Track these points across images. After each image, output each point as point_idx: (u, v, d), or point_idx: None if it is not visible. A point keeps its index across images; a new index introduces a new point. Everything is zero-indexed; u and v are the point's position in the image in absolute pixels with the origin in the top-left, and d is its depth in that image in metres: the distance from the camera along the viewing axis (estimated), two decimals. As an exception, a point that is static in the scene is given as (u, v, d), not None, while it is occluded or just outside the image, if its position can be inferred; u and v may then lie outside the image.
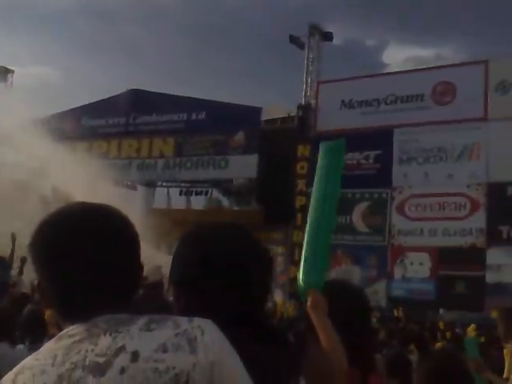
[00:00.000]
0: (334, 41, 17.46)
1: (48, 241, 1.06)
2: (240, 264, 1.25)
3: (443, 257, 14.17)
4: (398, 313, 9.72)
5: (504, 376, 3.67)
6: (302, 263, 1.64)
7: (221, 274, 1.22)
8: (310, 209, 1.78)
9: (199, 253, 1.25)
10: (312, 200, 1.82)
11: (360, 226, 15.27)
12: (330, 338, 1.56)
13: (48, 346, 1.02)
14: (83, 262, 1.04)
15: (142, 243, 1.18)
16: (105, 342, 0.98)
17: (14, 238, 8.51)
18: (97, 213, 1.10)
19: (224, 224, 1.35)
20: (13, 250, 8.45)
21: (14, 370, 1.00)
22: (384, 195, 15.12)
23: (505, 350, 3.99)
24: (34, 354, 1.01)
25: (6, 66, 22.52)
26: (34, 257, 1.08)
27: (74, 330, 1.01)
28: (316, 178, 1.81)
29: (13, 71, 22.68)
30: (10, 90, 22.20)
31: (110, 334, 0.99)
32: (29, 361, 1.00)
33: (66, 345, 0.99)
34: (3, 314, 4.31)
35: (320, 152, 1.81)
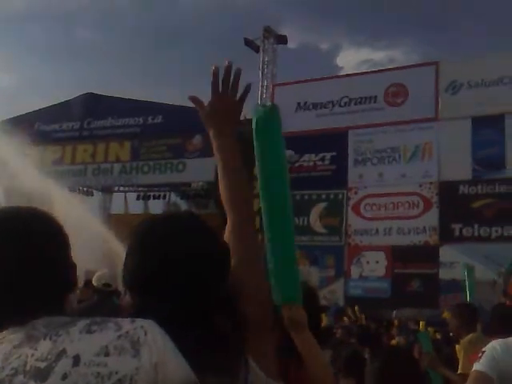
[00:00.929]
0: (289, 44, 17.60)
1: None
2: (199, 258, 1.19)
3: (398, 255, 14.47)
4: (353, 311, 9.85)
5: (459, 371, 3.74)
6: (271, 278, 1.46)
7: (178, 271, 1.16)
8: (263, 210, 1.61)
9: (156, 249, 1.18)
10: (261, 199, 1.63)
11: (317, 226, 15.43)
12: (316, 360, 1.48)
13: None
14: (8, 265, 1.03)
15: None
16: (45, 346, 0.96)
17: None
18: (20, 215, 1.09)
19: (178, 214, 1.31)
20: None
21: None
22: (340, 196, 15.33)
23: (457, 346, 4.09)
24: None
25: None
26: None
27: (12, 335, 0.99)
28: (257, 167, 1.57)
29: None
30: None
31: (50, 338, 0.97)
32: None
33: (5, 350, 0.98)
34: None
35: (253, 125, 1.57)
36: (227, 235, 1.34)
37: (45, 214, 1.13)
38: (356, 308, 9.92)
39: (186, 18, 59.75)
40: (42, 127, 19.68)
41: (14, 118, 19.63)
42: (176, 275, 1.17)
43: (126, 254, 1.23)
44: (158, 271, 1.17)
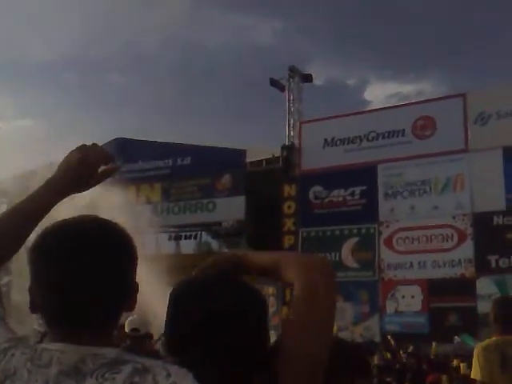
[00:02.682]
0: (315, 81, 17.83)
1: (42, 248, 1.08)
2: (241, 314, 1.20)
3: (434, 289, 14.17)
4: (389, 343, 9.65)
5: None
6: None
7: (220, 327, 1.18)
8: None
9: (199, 307, 1.20)
10: None
11: (349, 261, 15.28)
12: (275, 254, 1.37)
13: (37, 366, 1.02)
14: (70, 273, 1.05)
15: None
16: None
17: None
18: (94, 227, 1.10)
19: (216, 275, 1.30)
20: None
21: None
22: (372, 230, 15.19)
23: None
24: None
25: (-8, 121, 22.64)
26: (29, 260, 1.09)
27: (62, 354, 1.02)
28: None
29: (-1, 126, 22.76)
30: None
31: (97, 379, 1.00)
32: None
33: (53, 373, 1.01)
34: None
35: None
36: (297, 302, 1.29)
37: (119, 228, 1.13)
38: (391, 340, 9.71)
39: (214, 60, 61.09)
40: (75, 172, 20.13)
41: (49, 165, 20.15)
42: (217, 334, 1.19)
43: (168, 318, 1.25)
44: (200, 329, 1.19)
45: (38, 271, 1.08)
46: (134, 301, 1.14)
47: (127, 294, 1.12)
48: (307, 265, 1.30)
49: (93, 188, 1.28)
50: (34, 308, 1.10)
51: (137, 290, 1.14)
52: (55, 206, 1.24)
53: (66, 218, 1.13)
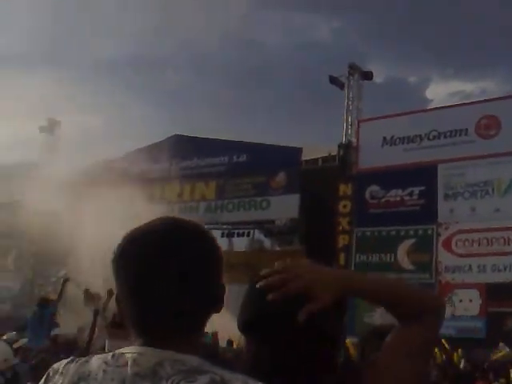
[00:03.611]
0: (375, 79, 17.59)
1: (124, 257, 1.07)
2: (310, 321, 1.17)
3: (493, 293, 13.69)
4: (444, 348, 9.37)
5: None
6: None
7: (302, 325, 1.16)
8: None
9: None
10: None
11: (405, 263, 14.95)
12: (380, 283, 1.31)
13: (113, 366, 1.03)
14: (155, 280, 1.04)
15: None
16: None
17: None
18: (176, 230, 1.09)
19: None
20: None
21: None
22: (429, 231, 14.82)
23: None
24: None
25: (54, 118, 23.33)
26: (112, 269, 1.09)
27: (141, 358, 1.02)
28: None
29: (60, 122, 23.47)
30: (58, 140, 22.98)
31: None
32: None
33: (129, 374, 1.01)
34: (43, 364, 4.44)
35: None
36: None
37: (203, 232, 1.12)
38: (445, 345, 9.43)
39: (273, 57, 61.37)
40: (133, 168, 20.49)
41: (108, 160, 20.65)
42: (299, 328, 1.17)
43: (248, 300, 1.26)
44: (281, 321, 1.18)
45: (123, 280, 1.08)
46: (222, 303, 1.12)
47: (215, 297, 1.10)
48: (435, 311, 1.29)
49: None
50: (121, 316, 1.10)
51: (224, 292, 1.12)
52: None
53: (145, 223, 1.11)
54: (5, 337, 7.10)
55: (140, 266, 1.04)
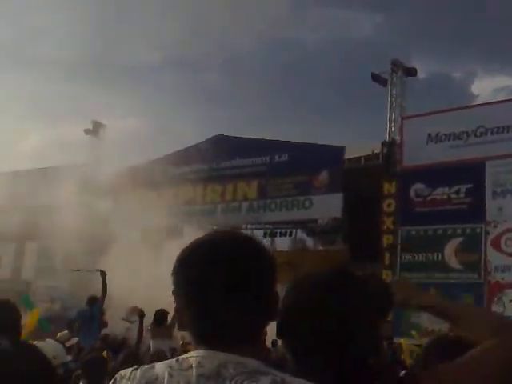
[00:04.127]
0: (419, 75, 17.26)
1: (183, 269, 1.11)
2: (357, 314, 1.22)
3: (545, 294, 13.29)
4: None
5: None
6: None
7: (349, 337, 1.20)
8: None
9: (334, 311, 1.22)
10: None
11: (453, 262, 14.63)
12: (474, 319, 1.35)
13: (178, 370, 1.06)
14: (211, 290, 1.07)
15: None
16: None
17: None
18: (237, 244, 1.12)
19: (334, 271, 1.31)
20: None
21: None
22: (478, 230, 14.46)
23: None
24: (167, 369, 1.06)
25: (98, 121, 23.76)
26: (172, 280, 1.14)
27: (205, 360, 1.05)
28: None
29: (105, 125, 23.87)
30: (103, 143, 23.41)
31: None
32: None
33: (194, 375, 1.03)
34: (96, 361, 4.52)
35: None
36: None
37: (257, 244, 1.15)
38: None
39: (313, 56, 61.13)
40: (175, 169, 20.69)
41: (150, 161, 20.94)
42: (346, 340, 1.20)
43: (299, 310, 1.25)
44: (333, 335, 1.20)
45: (181, 291, 1.11)
46: (276, 312, 1.15)
47: (270, 306, 1.12)
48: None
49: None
50: (182, 326, 1.14)
51: (278, 301, 1.14)
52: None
53: (202, 236, 1.16)
54: (57, 335, 7.24)
55: (196, 277, 1.08)
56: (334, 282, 1.25)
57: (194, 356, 1.07)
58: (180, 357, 1.09)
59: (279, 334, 1.26)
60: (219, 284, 1.06)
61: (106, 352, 6.59)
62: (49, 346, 2.93)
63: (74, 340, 7.23)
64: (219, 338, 1.07)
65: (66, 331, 7.57)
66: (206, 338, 1.08)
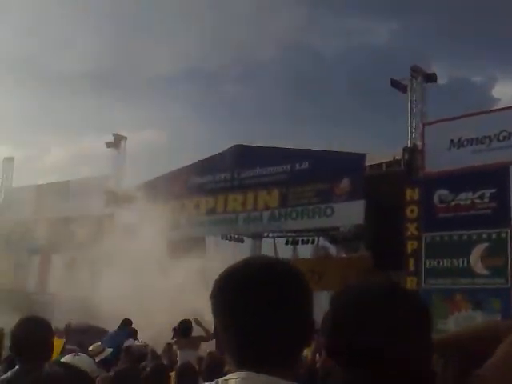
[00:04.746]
0: (439, 80, 17.16)
1: (222, 291, 1.14)
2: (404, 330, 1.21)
3: None
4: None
5: None
6: None
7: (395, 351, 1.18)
8: None
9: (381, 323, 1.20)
10: None
11: (479, 268, 14.51)
12: None
13: None
14: (252, 315, 1.09)
15: None
16: None
17: None
18: (274, 269, 1.14)
19: (382, 285, 1.30)
20: None
21: None
22: (503, 235, 14.32)
23: None
24: None
25: (118, 133, 23.97)
26: (212, 304, 1.16)
27: (245, 383, 1.06)
28: None
29: (125, 137, 24.08)
30: (124, 155, 23.63)
31: None
32: None
33: None
34: (126, 373, 4.56)
35: None
36: None
37: (294, 269, 1.18)
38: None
39: (332, 64, 61.01)
40: (195, 180, 20.79)
41: (170, 172, 21.08)
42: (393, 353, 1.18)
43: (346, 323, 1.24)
44: (380, 347, 1.18)
45: (220, 314, 1.13)
46: (313, 336, 1.17)
47: (307, 331, 1.15)
48: None
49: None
50: (220, 349, 1.16)
51: (314, 326, 1.16)
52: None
53: (239, 260, 1.18)
54: (90, 348, 7.31)
55: (234, 301, 1.10)
56: (384, 296, 1.25)
57: (234, 378, 1.08)
58: (220, 379, 1.11)
59: (330, 349, 1.25)
60: (258, 308, 1.08)
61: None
62: (84, 363, 3.00)
63: (108, 351, 7.28)
64: (259, 360, 1.08)
65: (99, 343, 7.62)
66: (246, 361, 1.09)
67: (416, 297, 1.32)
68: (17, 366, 2.79)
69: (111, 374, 6.06)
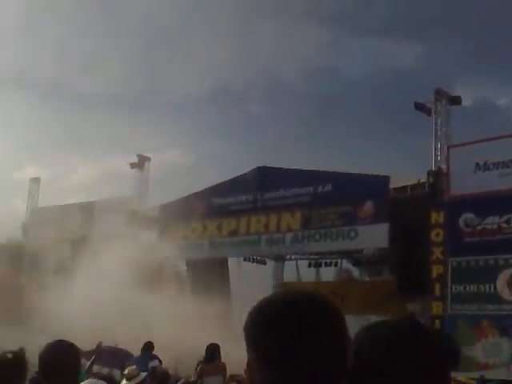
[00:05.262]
0: (464, 102, 17.07)
1: (261, 324, 1.12)
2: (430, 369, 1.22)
3: None
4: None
5: None
6: None
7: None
8: None
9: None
10: None
11: (506, 294, 14.23)
12: None
13: None
14: (289, 350, 1.07)
15: None
16: None
17: None
18: (313, 305, 1.14)
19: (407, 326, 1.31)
20: None
21: None
22: (531, 260, 14.11)
23: None
24: None
25: (143, 154, 24.21)
26: (247, 336, 1.14)
27: None
28: None
29: (149, 158, 24.30)
30: (147, 177, 23.83)
31: None
32: None
33: None
34: None
35: None
36: None
37: (334, 306, 1.17)
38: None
39: (353, 86, 60.96)
40: (218, 201, 20.85)
41: (194, 193, 21.19)
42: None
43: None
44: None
45: (259, 348, 1.12)
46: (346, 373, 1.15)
47: (345, 369, 1.13)
48: None
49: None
50: (253, 382, 1.13)
51: (349, 361, 1.15)
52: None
53: (277, 294, 1.20)
54: (126, 371, 7.28)
55: (274, 338, 1.09)
56: (410, 338, 1.25)
57: None
58: None
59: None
60: (302, 343, 1.07)
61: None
62: None
63: (143, 375, 7.24)
64: None
65: (134, 366, 7.58)
66: None
67: (439, 334, 1.35)
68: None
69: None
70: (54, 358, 2.86)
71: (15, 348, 3.56)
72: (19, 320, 17.39)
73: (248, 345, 1.15)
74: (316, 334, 1.10)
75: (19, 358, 3.51)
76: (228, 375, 9.00)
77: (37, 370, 2.92)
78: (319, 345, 1.10)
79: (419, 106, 16.83)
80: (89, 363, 10.15)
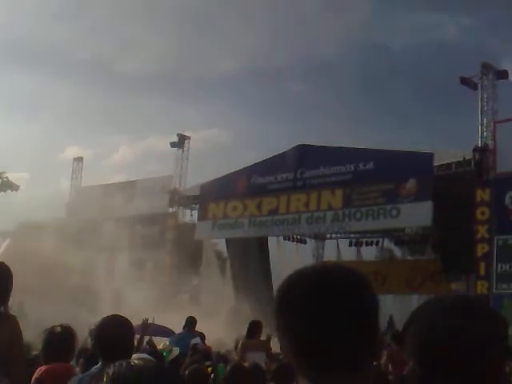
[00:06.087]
0: (510, 77, 16.48)
1: (293, 297, 1.11)
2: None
3: None
4: None
5: None
6: None
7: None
8: None
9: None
10: None
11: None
12: None
13: None
14: (321, 323, 1.06)
15: None
16: None
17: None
18: (341, 276, 1.12)
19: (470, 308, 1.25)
20: None
21: None
22: None
23: None
24: None
25: (182, 133, 24.29)
26: (275, 309, 1.12)
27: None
28: None
29: (189, 137, 24.38)
30: (187, 155, 23.94)
31: None
32: None
33: None
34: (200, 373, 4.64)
35: None
36: None
37: (367, 281, 1.15)
38: None
39: (397, 61, 59.93)
40: (258, 180, 20.79)
41: (233, 172, 21.20)
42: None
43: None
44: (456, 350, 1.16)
45: (287, 321, 1.10)
46: (380, 350, 1.16)
47: (376, 340, 1.11)
48: None
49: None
50: (285, 356, 1.13)
51: (379, 340, 1.14)
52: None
53: (307, 266, 1.16)
54: (160, 346, 7.36)
55: (303, 309, 1.07)
56: (473, 322, 1.19)
57: None
58: None
59: (425, 359, 1.20)
60: (333, 319, 1.06)
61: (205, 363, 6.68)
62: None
63: (176, 351, 7.31)
64: (332, 372, 1.06)
65: (168, 342, 7.67)
66: (308, 368, 1.08)
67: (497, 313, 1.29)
68: (100, 363, 2.84)
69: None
70: (110, 332, 2.92)
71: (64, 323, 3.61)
72: (63, 298, 17.83)
73: (281, 314, 1.13)
74: (344, 310, 1.08)
75: (67, 331, 3.59)
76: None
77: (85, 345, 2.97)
78: (349, 322, 1.08)
79: (465, 81, 16.32)
80: (138, 339, 10.32)
